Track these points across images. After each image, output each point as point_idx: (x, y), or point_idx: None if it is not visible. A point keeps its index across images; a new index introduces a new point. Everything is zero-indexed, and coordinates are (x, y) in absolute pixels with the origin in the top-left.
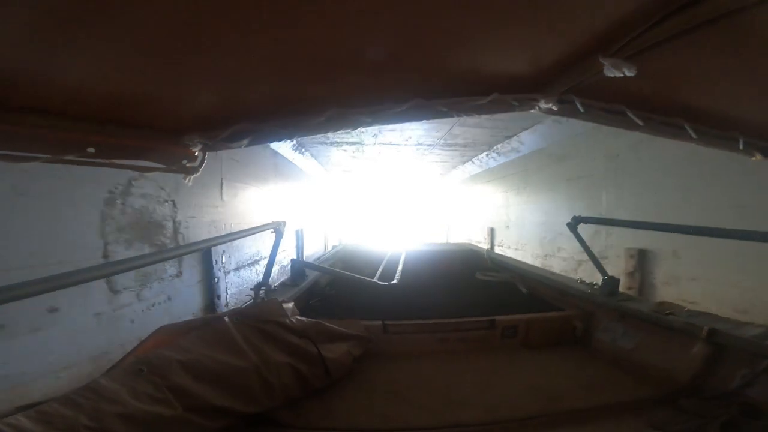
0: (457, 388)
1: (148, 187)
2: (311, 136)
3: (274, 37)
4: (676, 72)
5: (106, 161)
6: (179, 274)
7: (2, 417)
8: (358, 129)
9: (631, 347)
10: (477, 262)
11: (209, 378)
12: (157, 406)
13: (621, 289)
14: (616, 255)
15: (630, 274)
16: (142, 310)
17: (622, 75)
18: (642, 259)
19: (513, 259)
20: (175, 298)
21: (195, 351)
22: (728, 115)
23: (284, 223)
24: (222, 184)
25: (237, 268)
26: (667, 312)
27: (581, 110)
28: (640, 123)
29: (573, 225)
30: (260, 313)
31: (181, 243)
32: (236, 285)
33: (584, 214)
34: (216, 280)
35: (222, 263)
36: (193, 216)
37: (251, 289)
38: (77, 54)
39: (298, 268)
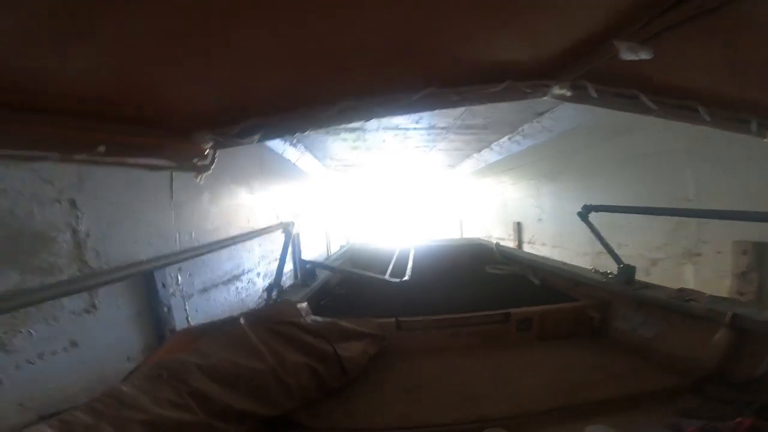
0: (476, 383)
1: (14, 179)
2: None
3: (283, 29)
4: (689, 56)
5: (118, 160)
6: (91, 308)
7: (25, 426)
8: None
9: (652, 336)
10: (486, 256)
11: (228, 381)
12: (179, 412)
13: (727, 294)
14: (715, 251)
15: (741, 275)
16: (17, 366)
17: (637, 58)
18: (761, 255)
19: (522, 252)
20: (86, 343)
21: (213, 354)
22: (740, 98)
23: (293, 223)
24: (172, 179)
25: (205, 289)
26: (688, 298)
27: (594, 96)
28: (654, 107)
29: (584, 214)
30: (275, 314)
31: (93, 263)
32: (205, 311)
33: (659, 199)
34: (166, 309)
35: (178, 285)
36: (116, 222)
37: (263, 291)
38: (85, 52)
39: (308, 268)
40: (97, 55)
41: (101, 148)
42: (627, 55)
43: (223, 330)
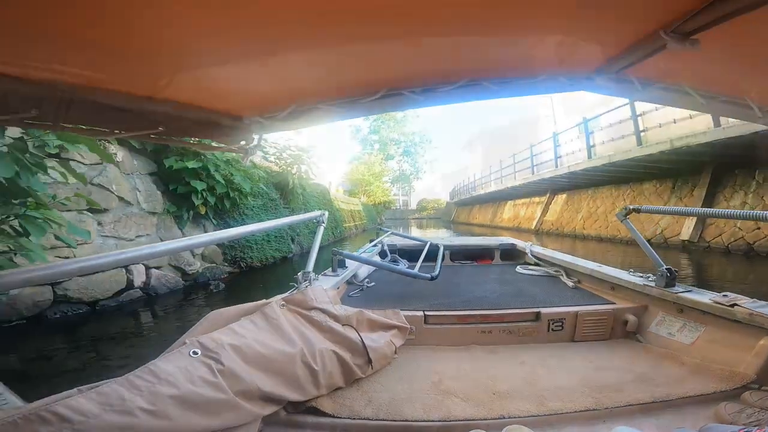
0: (503, 380)
1: None
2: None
3: (328, 21)
4: (741, 49)
5: (175, 139)
6: None
7: (64, 398)
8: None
9: (691, 341)
10: (518, 257)
11: (259, 363)
12: (210, 390)
13: None
14: None
15: None
16: None
17: (684, 50)
18: None
19: (557, 253)
20: None
21: (246, 335)
22: None
23: (325, 213)
24: None
25: None
26: (732, 303)
27: (639, 89)
28: (703, 102)
29: (622, 215)
30: (306, 300)
31: None
32: None
33: None
34: None
35: None
36: None
37: (294, 277)
38: (146, 32)
39: (338, 259)
40: (162, 39)
41: (161, 128)
42: (675, 47)
43: (257, 312)
